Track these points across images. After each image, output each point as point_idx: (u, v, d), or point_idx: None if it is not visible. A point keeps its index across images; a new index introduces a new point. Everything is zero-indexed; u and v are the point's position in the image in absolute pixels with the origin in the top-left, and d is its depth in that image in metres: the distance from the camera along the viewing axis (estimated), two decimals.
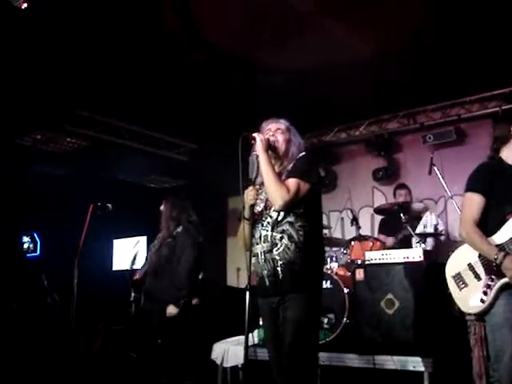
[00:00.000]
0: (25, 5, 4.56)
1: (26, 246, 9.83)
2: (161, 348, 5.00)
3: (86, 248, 4.73)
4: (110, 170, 8.84)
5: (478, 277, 3.28)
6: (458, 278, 3.39)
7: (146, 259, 5.28)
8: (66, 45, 5.57)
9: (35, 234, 9.88)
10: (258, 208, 3.35)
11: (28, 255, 9.78)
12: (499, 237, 3.20)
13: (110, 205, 5.08)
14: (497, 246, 3.17)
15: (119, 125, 7.84)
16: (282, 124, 3.49)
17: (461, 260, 3.41)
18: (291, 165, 3.35)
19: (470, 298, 3.29)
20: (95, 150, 8.11)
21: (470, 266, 3.33)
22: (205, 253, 5.28)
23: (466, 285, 3.33)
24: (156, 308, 5.01)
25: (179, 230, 5.18)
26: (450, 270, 3.48)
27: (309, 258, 3.20)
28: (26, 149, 7.88)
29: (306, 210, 3.25)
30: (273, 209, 3.27)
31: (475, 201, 3.30)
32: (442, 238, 6.64)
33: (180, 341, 4.97)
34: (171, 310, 4.90)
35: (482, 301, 3.20)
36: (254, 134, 3.30)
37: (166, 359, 4.96)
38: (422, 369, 4.34)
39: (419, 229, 6.19)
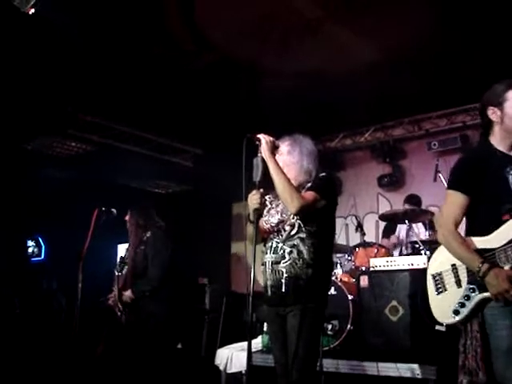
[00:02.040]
0: (32, 10, 4.60)
1: (30, 250, 9.83)
2: (164, 352, 5.00)
3: (90, 252, 4.73)
4: (114, 175, 8.85)
5: (458, 283, 2.84)
6: (439, 279, 2.95)
7: (121, 269, 5.30)
8: (71, 50, 5.59)
9: (40, 238, 9.88)
10: (273, 219, 3.33)
11: (33, 259, 9.78)
12: (492, 240, 2.73)
13: (114, 210, 5.10)
14: (486, 251, 2.72)
15: (124, 130, 7.86)
16: (281, 143, 3.37)
17: (446, 257, 2.91)
18: (310, 183, 3.29)
19: (446, 305, 2.86)
20: (100, 154, 8.12)
21: (454, 268, 2.88)
22: (176, 255, 5.40)
23: (445, 289, 2.90)
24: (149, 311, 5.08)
25: (148, 235, 5.27)
26: (432, 266, 3.02)
27: (315, 275, 3.18)
28: (31, 153, 7.91)
29: (318, 228, 3.23)
30: (288, 222, 3.25)
31: (456, 200, 2.85)
32: None
33: (185, 345, 5.00)
34: (128, 293, 5.11)
35: (457, 313, 2.79)
36: (259, 135, 3.24)
37: (169, 364, 4.96)
38: (427, 376, 4.31)
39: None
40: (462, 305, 2.78)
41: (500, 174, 2.79)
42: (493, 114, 2.89)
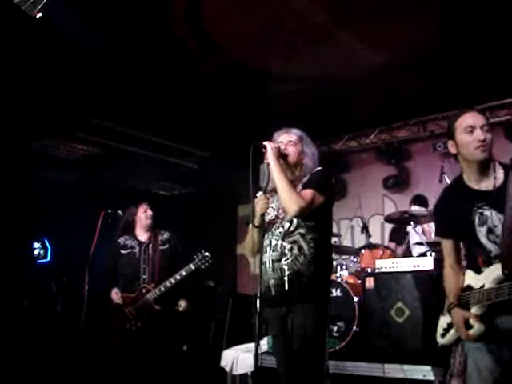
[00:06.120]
0: (39, 14, 4.62)
1: (36, 252, 9.86)
2: (169, 354, 5.00)
3: (96, 254, 4.74)
4: (120, 177, 8.88)
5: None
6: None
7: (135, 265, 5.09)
8: (78, 52, 5.61)
9: (46, 240, 9.90)
10: (270, 216, 3.35)
11: (39, 261, 9.80)
12: (478, 280, 2.73)
13: (120, 212, 5.11)
14: (470, 288, 2.75)
15: (130, 132, 7.88)
16: (294, 135, 3.46)
17: None
18: (307, 178, 3.35)
19: (441, 325, 3.07)
20: (106, 157, 8.15)
21: None
22: None
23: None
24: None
25: (166, 235, 5.20)
26: None
27: (317, 270, 3.21)
28: (38, 155, 7.94)
29: (317, 223, 3.26)
30: (286, 219, 3.28)
31: (445, 245, 2.95)
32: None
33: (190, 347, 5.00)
34: (185, 304, 4.98)
35: (443, 336, 3.00)
36: (265, 143, 3.29)
37: (176, 366, 4.96)
38: (432, 378, 4.30)
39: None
40: (447, 330, 2.93)
41: (466, 213, 2.73)
42: (451, 147, 2.86)
